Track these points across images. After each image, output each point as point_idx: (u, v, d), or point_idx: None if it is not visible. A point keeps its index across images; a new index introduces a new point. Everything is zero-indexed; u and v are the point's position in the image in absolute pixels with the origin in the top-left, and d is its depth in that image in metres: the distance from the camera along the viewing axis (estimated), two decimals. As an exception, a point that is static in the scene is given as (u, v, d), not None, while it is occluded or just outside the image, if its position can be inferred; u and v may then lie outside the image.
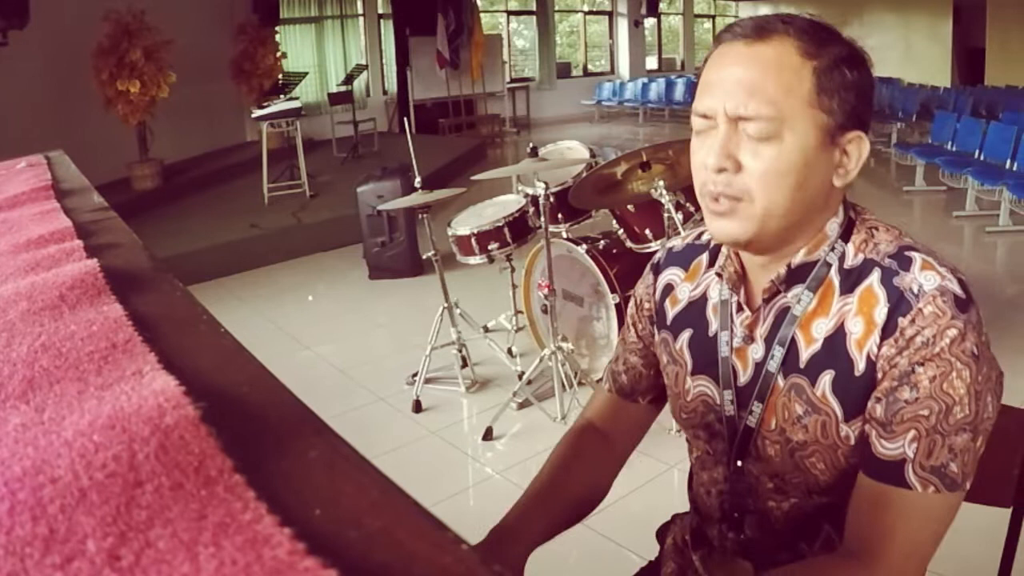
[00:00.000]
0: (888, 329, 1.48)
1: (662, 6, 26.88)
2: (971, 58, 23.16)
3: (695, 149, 1.60)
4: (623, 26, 25.88)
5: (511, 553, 1.68)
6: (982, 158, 10.82)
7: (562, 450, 1.94)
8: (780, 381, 1.62)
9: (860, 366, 1.52)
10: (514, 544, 1.70)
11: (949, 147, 11.83)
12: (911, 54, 23.34)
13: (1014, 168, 10.01)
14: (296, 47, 17.59)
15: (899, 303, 1.48)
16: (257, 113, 11.52)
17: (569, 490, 1.86)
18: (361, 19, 19.51)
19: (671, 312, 1.87)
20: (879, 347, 1.49)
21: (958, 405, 1.44)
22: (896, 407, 1.46)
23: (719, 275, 1.73)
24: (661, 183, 4.51)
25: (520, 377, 5.40)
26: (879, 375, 1.50)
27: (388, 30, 19.61)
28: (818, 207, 1.57)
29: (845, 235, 1.61)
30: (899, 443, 1.46)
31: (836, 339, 1.55)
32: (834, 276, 1.59)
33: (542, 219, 4.94)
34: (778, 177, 1.49)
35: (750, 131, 1.49)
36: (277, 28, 16.12)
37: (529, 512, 1.78)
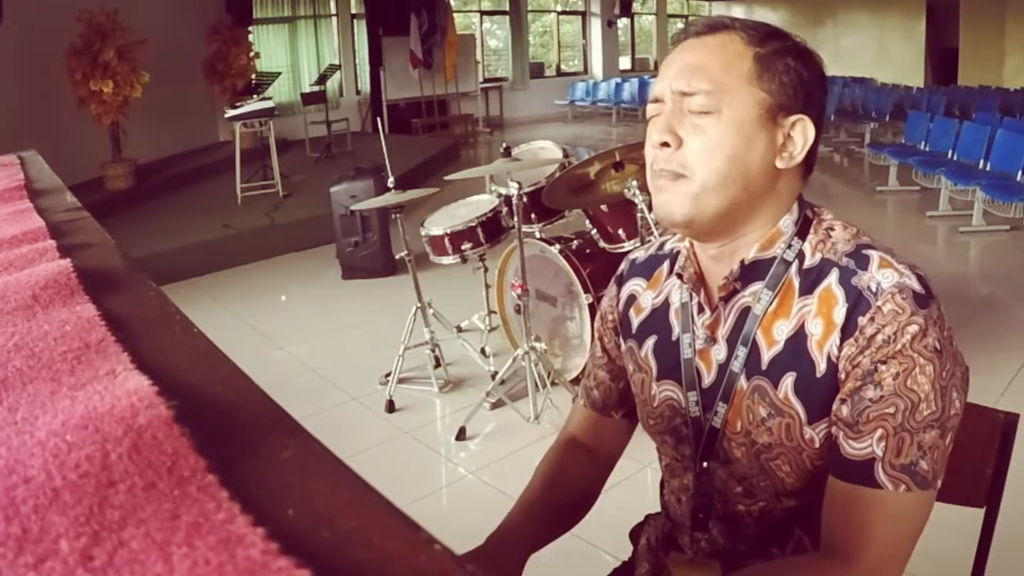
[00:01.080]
0: (848, 329, 1.49)
1: (635, 6, 26.95)
2: (944, 58, 23.32)
3: (647, 134, 1.64)
4: (596, 26, 25.92)
5: (510, 559, 1.70)
6: (955, 158, 10.88)
7: (550, 464, 1.95)
8: (743, 383, 1.63)
9: (821, 367, 1.53)
10: (512, 550, 1.72)
11: (922, 147, 11.89)
12: (884, 54, 23.50)
13: (987, 168, 10.08)
14: (269, 47, 17.55)
15: (858, 302, 1.49)
16: (230, 113, 11.49)
17: (560, 502, 1.88)
18: (334, 19, 19.49)
19: (635, 321, 1.88)
20: (840, 347, 1.50)
21: (924, 402, 1.44)
22: (861, 406, 1.47)
23: (679, 276, 1.73)
24: (634, 183, 4.52)
25: (493, 377, 5.40)
26: (842, 376, 1.51)
27: (361, 30, 19.59)
28: (761, 190, 1.58)
29: (801, 233, 1.62)
30: (867, 442, 1.46)
31: (797, 340, 1.56)
32: (794, 276, 1.59)
33: (515, 219, 4.94)
34: (715, 148, 1.53)
35: (692, 106, 1.54)
36: (250, 28, 16.11)
37: (525, 521, 1.80)
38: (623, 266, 1.99)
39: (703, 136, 1.53)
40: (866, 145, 14.22)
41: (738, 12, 28.04)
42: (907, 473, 1.45)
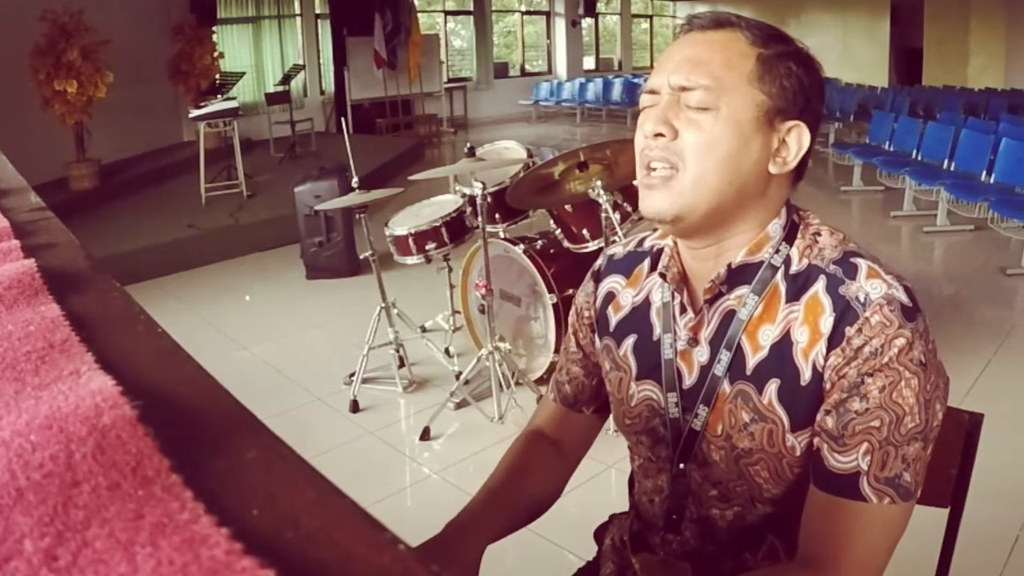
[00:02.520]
0: (835, 339, 1.49)
1: (599, 6, 26.91)
2: (909, 58, 23.41)
3: (639, 124, 1.61)
4: (560, 26, 25.89)
5: (467, 547, 1.68)
6: (919, 158, 10.91)
7: (515, 455, 1.93)
8: (727, 387, 1.62)
9: (806, 375, 1.52)
10: (470, 539, 1.70)
11: (887, 147, 11.93)
12: (849, 54, 23.51)
13: (951, 168, 10.11)
14: (233, 47, 17.45)
15: (845, 312, 1.49)
16: (194, 113, 11.44)
17: (523, 493, 1.86)
18: (298, 19, 19.41)
19: (614, 319, 1.86)
20: (826, 357, 1.50)
21: (909, 415, 1.45)
22: (847, 419, 1.47)
23: (662, 275, 1.72)
24: (599, 183, 4.52)
25: (457, 377, 5.40)
26: (827, 385, 1.50)
27: (325, 30, 19.52)
28: (752, 193, 1.58)
29: (789, 238, 1.62)
30: (852, 456, 1.47)
31: (782, 347, 1.56)
32: (780, 281, 1.59)
33: (479, 219, 4.94)
34: (710, 146, 1.51)
35: (690, 101, 1.52)
36: (214, 28, 16.01)
37: (485, 510, 1.78)
38: (600, 261, 1.97)
39: (699, 131, 1.52)
40: (830, 145, 14.22)
41: (702, 11, 28.14)
42: (891, 486, 1.45)
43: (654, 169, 1.56)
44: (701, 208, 1.54)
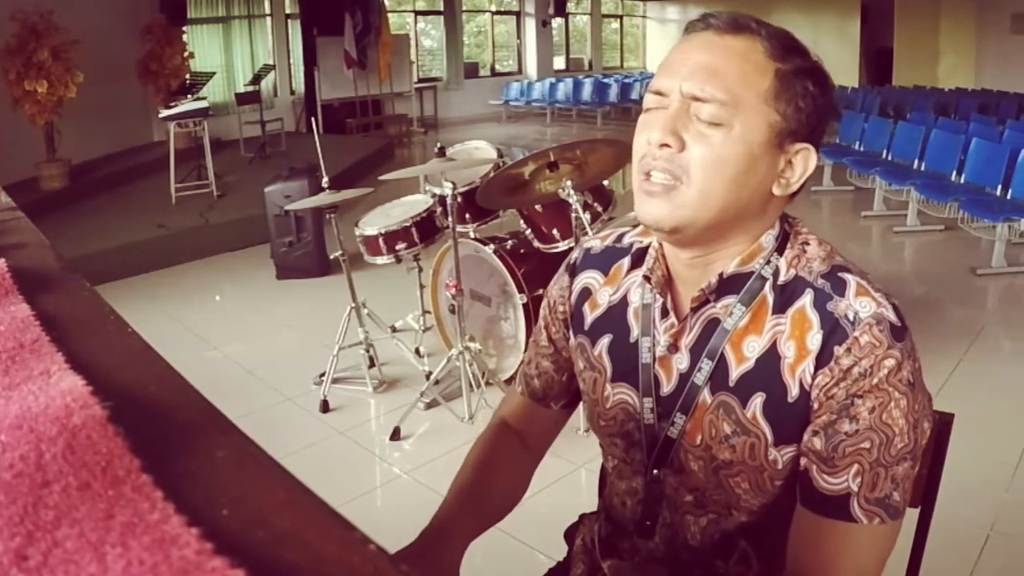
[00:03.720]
0: (823, 357, 1.47)
1: (570, 6, 26.93)
2: (879, 58, 23.54)
3: (641, 126, 1.56)
4: (531, 26, 25.90)
5: (448, 551, 1.68)
6: (890, 158, 10.96)
7: (481, 451, 1.92)
8: (707, 397, 1.60)
9: (794, 392, 1.51)
10: (450, 542, 1.69)
11: (857, 147, 11.96)
12: (819, 54, 23.30)
13: (922, 168, 10.15)
14: (203, 47, 17.38)
15: (834, 330, 1.47)
16: (164, 113, 11.41)
17: (493, 489, 1.85)
18: (268, 19, 19.34)
19: (589, 317, 1.83)
20: (813, 375, 1.48)
21: (899, 436, 1.44)
22: (836, 440, 1.46)
23: (647, 278, 1.69)
24: (569, 183, 4.52)
25: (428, 377, 5.39)
26: (815, 405, 1.49)
27: (295, 30, 19.46)
28: (753, 212, 1.55)
29: (780, 248, 1.60)
30: (843, 478, 1.46)
31: (769, 361, 1.54)
32: (768, 293, 1.57)
33: (450, 219, 4.94)
34: (718, 164, 1.46)
35: (701, 114, 1.47)
36: (184, 28, 15.94)
37: (458, 511, 1.76)
38: (576, 255, 1.92)
39: (708, 147, 1.47)
40: (801, 145, 14.29)
41: (672, 12, 28.22)
42: (881, 506, 1.45)
43: (655, 182, 1.51)
44: (701, 223, 1.51)
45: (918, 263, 8.94)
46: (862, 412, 1.44)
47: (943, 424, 1.91)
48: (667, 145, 1.48)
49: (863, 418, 1.44)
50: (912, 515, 1.93)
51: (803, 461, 1.52)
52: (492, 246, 5.28)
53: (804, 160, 1.54)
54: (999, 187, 8.69)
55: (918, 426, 1.47)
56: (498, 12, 26.38)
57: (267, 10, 19.24)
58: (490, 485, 1.85)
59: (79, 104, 11.18)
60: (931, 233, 9.55)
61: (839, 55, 23.26)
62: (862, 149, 11.79)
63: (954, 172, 9.58)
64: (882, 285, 1.53)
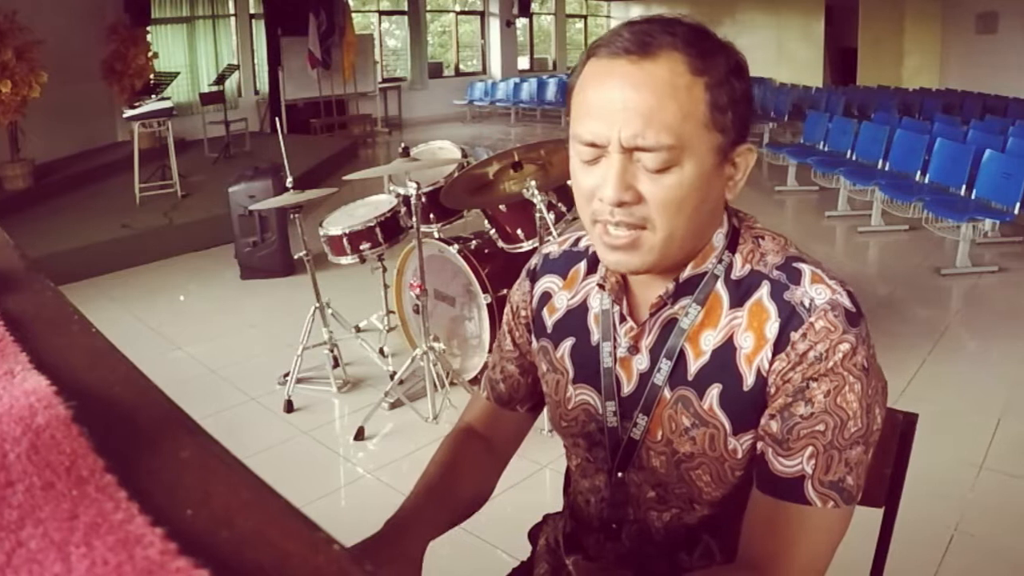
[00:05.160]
0: (780, 344, 1.48)
1: (534, 6, 26.92)
2: (843, 58, 23.60)
3: (580, 177, 1.52)
4: (495, 26, 25.91)
5: (410, 544, 1.66)
6: (854, 158, 11.01)
7: (447, 452, 1.91)
8: (667, 393, 1.61)
9: (749, 380, 1.52)
10: (412, 536, 1.68)
11: (821, 147, 12.01)
12: (783, 54, 23.68)
13: (886, 168, 10.23)
14: (168, 47, 17.30)
15: (790, 318, 1.49)
16: (128, 113, 11.35)
17: (458, 490, 1.84)
18: (233, 19, 19.29)
19: (549, 321, 1.84)
20: (771, 362, 1.49)
21: (852, 419, 1.45)
22: (792, 423, 1.47)
23: (601, 286, 1.70)
24: (533, 183, 4.53)
25: (392, 377, 5.41)
26: (771, 390, 1.50)
27: (260, 30, 19.42)
28: (712, 224, 1.57)
29: (731, 245, 1.60)
30: (797, 460, 1.46)
31: (725, 353, 1.55)
32: (721, 288, 1.58)
33: (414, 219, 4.93)
34: (679, 205, 1.45)
35: (649, 163, 1.43)
36: (148, 28, 15.88)
37: (425, 506, 1.75)
38: (536, 260, 1.93)
39: (665, 192, 1.44)
40: (765, 145, 14.27)
41: (636, 12, 28.22)
42: (835, 489, 1.45)
43: (615, 234, 1.49)
44: (669, 258, 1.52)
45: (882, 263, 8.99)
46: (817, 395, 1.45)
47: (907, 424, 1.92)
48: (624, 202, 1.46)
49: (818, 401, 1.45)
50: (876, 514, 1.95)
51: (760, 445, 1.52)
52: (456, 246, 5.29)
53: (746, 159, 1.54)
54: (963, 187, 8.77)
55: (871, 411, 1.48)
56: (462, 12, 26.37)
57: (231, 10, 19.19)
58: (455, 485, 1.84)
59: (43, 104, 11.15)
60: (895, 233, 9.62)
61: (803, 55, 23.43)
62: (826, 149, 11.85)
63: (918, 172, 9.65)
64: (837, 273, 1.55)
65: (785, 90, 18.50)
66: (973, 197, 8.55)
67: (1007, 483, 4.30)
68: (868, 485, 1.88)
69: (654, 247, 1.48)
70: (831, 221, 10.44)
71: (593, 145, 1.47)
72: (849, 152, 11.19)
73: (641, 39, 1.44)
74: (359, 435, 4.97)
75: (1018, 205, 7.94)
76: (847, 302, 1.48)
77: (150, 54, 15.21)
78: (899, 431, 1.92)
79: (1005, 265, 8.27)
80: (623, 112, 1.42)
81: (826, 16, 23.28)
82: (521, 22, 26.87)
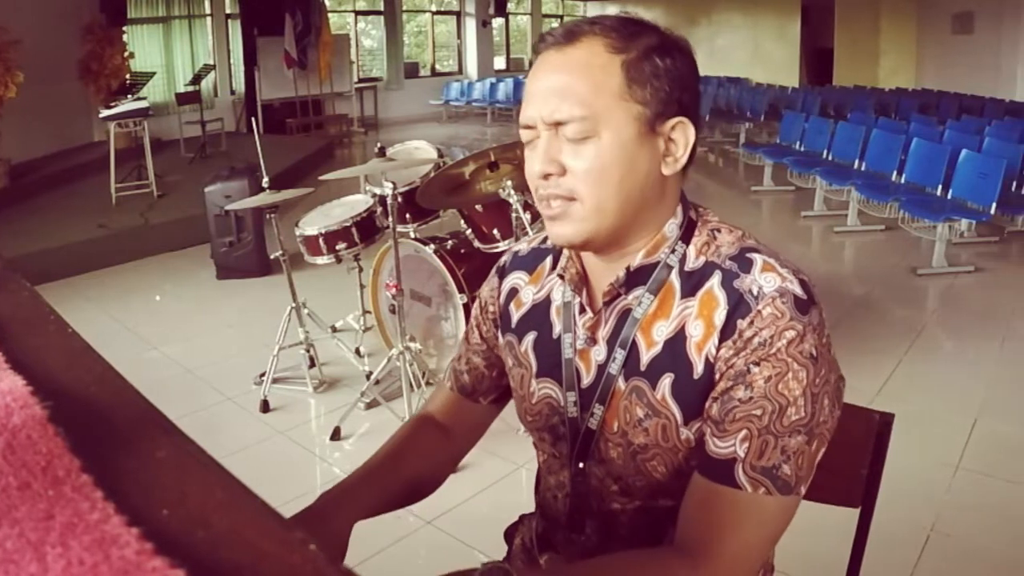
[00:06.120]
0: (727, 331, 1.49)
1: (510, 6, 26.91)
2: (820, 58, 23.64)
3: (526, 160, 1.60)
4: (471, 26, 25.89)
5: (338, 521, 1.68)
6: (830, 158, 11.03)
7: (401, 436, 1.93)
8: (621, 384, 1.62)
9: (699, 369, 1.52)
10: (341, 513, 1.69)
11: (797, 147, 12.04)
12: (760, 54, 23.73)
13: (862, 168, 10.25)
14: (144, 47, 17.22)
15: (738, 305, 1.49)
16: (105, 113, 11.29)
17: (401, 473, 1.85)
18: (209, 19, 19.24)
19: (515, 315, 1.86)
20: (718, 349, 1.50)
21: (792, 406, 1.44)
22: (730, 406, 1.47)
23: (561, 277, 1.72)
24: (509, 183, 4.55)
25: (368, 377, 5.39)
26: (716, 376, 1.50)
27: (236, 30, 19.38)
28: (651, 200, 1.57)
29: (686, 237, 1.61)
30: (730, 442, 1.46)
31: (676, 342, 1.56)
32: (674, 279, 1.59)
33: (390, 219, 4.92)
34: (601, 173, 1.50)
35: (568, 134, 1.50)
36: (124, 28, 15.84)
37: (360, 486, 1.77)
38: (506, 257, 1.97)
39: (586, 162, 1.50)
40: (741, 145, 14.41)
41: (612, 11, 28.29)
42: (768, 476, 1.45)
43: (553, 206, 1.55)
44: (605, 229, 1.54)
45: (858, 263, 9.00)
46: (758, 380, 1.45)
47: (883, 424, 1.93)
48: (549, 174, 1.53)
49: (758, 386, 1.45)
50: (852, 515, 1.95)
51: (703, 427, 1.53)
52: (432, 246, 5.29)
53: (683, 132, 1.55)
54: (939, 187, 8.80)
55: (817, 400, 1.47)
56: (438, 12, 26.34)
57: (207, 10, 19.15)
58: (399, 469, 1.85)
59: (19, 104, 11.12)
60: (872, 233, 9.65)
61: (779, 55, 23.46)
62: (803, 149, 11.88)
63: (895, 172, 9.69)
64: (792, 263, 1.55)
65: (761, 90, 18.51)
66: (949, 197, 8.59)
67: (983, 483, 4.31)
68: (844, 485, 1.89)
69: (585, 217, 1.53)
70: (807, 221, 10.46)
71: (528, 127, 1.56)
72: (825, 152, 11.21)
73: (568, 30, 1.55)
74: (335, 435, 4.96)
75: (994, 205, 7.98)
76: (797, 289, 1.48)
77: (126, 54, 15.19)
78: (875, 431, 1.92)
79: (981, 265, 8.31)
80: (546, 92, 1.52)
81: (802, 16, 23.30)
82: (497, 22, 26.84)
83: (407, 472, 1.87)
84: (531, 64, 1.61)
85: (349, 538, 1.69)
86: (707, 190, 12.60)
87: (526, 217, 4.61)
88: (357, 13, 23.69)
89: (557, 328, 1.76)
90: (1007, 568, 3.71)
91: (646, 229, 1.60)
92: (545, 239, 1.90)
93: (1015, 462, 4.49)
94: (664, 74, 1.51)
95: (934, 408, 5.12)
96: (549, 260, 1.85)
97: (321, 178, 5.65)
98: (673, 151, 1.56)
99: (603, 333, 1.66)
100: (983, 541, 3.86)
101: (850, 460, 1.89)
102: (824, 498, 1.85)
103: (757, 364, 1.45)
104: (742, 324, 1.47)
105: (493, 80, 24.36)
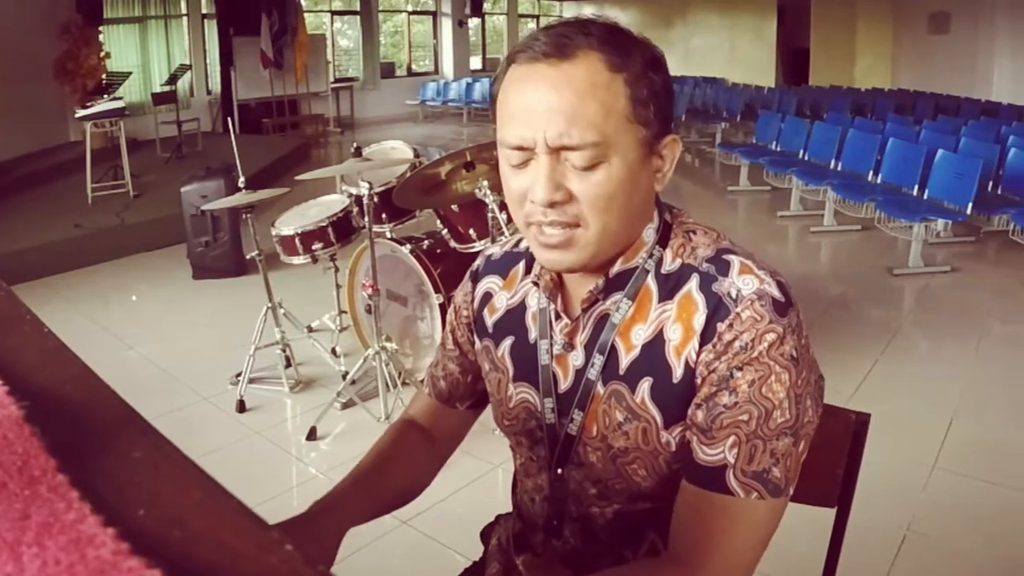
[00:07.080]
0: (707, 335, 1.48)
1: (486, 6, 26.99)
2: (796, 58, 23.76)
3: (511, 181, 1.54)
4: (447, 26, 25.94)
5: (330, 528, 1.69)
6: (806, 158, 11.08)
7: (385, 442, 1.93)
8: (600, 388, 1.61)
9: (678, 373, 1.52)
10: (334, 520, 1.70)
11: (774, 147, 12.09)
12: (736, 54, 23.81)
13: (838, 168, 10.29)
14: (120, 47, 17.22)
15: (717, 308, 1.48)
16: (81, 113, 11.30)
17: (390, 479, 1.86)
18: (185, 19, 19.20)
19: (490, 320, 1.85)
20: (698, 353, 1.49)
21: (778, 409, 1.44)
22: (716, 412, 1.46)
23: (535, 283, 1.70)
24: (485, 183, 4.56)
25: (344, 377, 5.41)
26: (698, 380, 1.49)
27: (212, 30, 19.37)
28: (643, 217, 1.57)
29: (662, 240, 1.61)
30: (719, 449, 1.46)
31: (654, 346, 1.55)
32: (651, 282, 1.58)
33: (366, 219, 4.93)
34: (609, 200, 1.46)
35: (577, 161, 1.44)
36: (101, 28, 15.83)
37: (350, 493, 1.78)
38: (479, 262, 1.95)
39: (595, 188, 1.45)
40: (717, 145, 14.44)
41: (589, 12, 28.34)
42: (759, 480, 1.45)
43: (549, 233, 1.50)
44: (604, 253, 1.53)
45: (835, 263, 9.05)
46: (741, 385, 1.45)
47: (859, 424, 1.92)
48: (555, 202, 1.47)
49: (742, 391, 1.45)
50: (829, 515, 1.96)
51: (687, 435, 1.52)
52: (409, 246, 5.29)
53: (672, 150, 1.55)
54: (916, 187, 8.84)
55: (801, 402, 1.47)
56: (415, 12, 26.33)
57: (183, 10, 19.11)
58: (387, 475, 1.86)
59: (-5, 103, 11.03)
60: (848, 233, 9.69)
61: (755, 55, 23.53)
62: (779, 149, 11.92)
63: (871, 172, 9.72)
64: (768, 264, 1.54)
65: (737, 90, 18.61)
66: (926, 197, 8.63)
67: (959, 483, 4.33)
68: (820, 485, 1.89)
69: (589, 243, 1.50)
70: (783, 221, 10.50)
71: (520, 148, 1.48)
72: (801, 152, 11.25)
73: (558, 41, 1.45)
74: (311, 435, 4.96)
75: (970, 205, 8.02)
76: (775, 292, 1.48)
77: (102, 54, 15.19)
78: (852, 431, 1.92)
79: (957, 265, 8.35)
80: (547, 113, 1.43)
81: (778, 16, 23.38)
82: (473, 22, 26.86)
83: (396, 477, 1.88)
84: (505, 71, 1.53)
85: (339, 545, 1.70)
86: (683, 190, 12.63)
87: (502, 217, 4.61)
88: (333, 13, 23.68)
89: (533, 333, 1.75)
90: (983, 567, 3.72)
91: (628, 240, 1.58)
92: (518, 243, 1.89)
93: (991, 462, 4.51)
94: (660, 91, 1.49)
95: (911, 408, 5.14)
96: (522, 264, 1.84)
97: (297, 178, 5.66)
98: (663, 168, 1.55)
99: (581, 338, 1.65)
100: (959, 541, 3.87)
101: (827, 460, 1.89)
102: (800, 498, 1.83)
103: (740, 368, 1.45)
104: (722, 327, 1.47)
105: (469, 80, 24.35)
